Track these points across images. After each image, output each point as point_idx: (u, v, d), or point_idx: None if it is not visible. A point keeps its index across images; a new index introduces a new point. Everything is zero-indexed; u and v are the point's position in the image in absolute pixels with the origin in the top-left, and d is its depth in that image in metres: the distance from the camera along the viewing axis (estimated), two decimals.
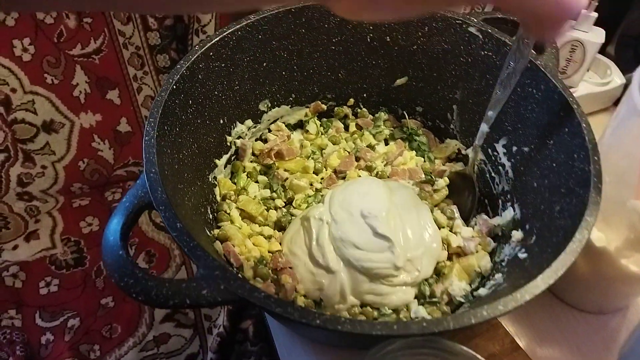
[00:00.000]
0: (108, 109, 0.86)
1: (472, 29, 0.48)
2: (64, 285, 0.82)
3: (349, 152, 0.54)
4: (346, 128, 0.58)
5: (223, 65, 0.44)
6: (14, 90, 0.79)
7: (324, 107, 0.56)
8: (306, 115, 0.56)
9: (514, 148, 0.48)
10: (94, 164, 0.93)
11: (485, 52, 0.49)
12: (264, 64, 0.50)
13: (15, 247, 0.84)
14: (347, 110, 0.57)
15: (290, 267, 0.43)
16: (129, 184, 0.96)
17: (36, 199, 0.91)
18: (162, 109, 0.38)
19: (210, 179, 0.47)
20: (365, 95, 0.57)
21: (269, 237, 0.46)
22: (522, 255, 0.41)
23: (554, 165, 0.43)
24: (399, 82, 0.55)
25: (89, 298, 0.82)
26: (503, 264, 0.44)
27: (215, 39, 0.44)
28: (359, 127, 0.57)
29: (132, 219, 0.33)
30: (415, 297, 0.43)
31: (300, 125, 0.57)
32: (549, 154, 0.44)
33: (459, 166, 0.54)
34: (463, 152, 0.54)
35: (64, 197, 0.91)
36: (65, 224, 0.89)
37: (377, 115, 0.57)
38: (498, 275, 0.42)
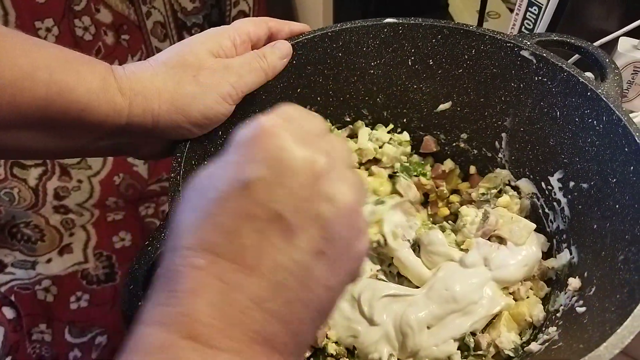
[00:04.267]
0: None
1: (524, 53, 0.44)
2: (94, 301, 0.82)
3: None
4: None
5: (255, 92, 0.41)
6: None
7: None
8: None
9: (571, 183, 0.44)
10: (128, 179, 0.94)
11: (539, 78, 0.44)
12: (298, 90, 0.47)
13: (49, 261, 0.85)
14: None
15: None
16: (162, 199, 0.96)
17: (72, 212, 0.92)
18: (189, 142, 0.36)
19: None
20: (405, 120, 0.53)
21: None
22: (580, 309, 0.36)
23: (617, 207, 0.38)
24: (442, 107, 0.51)
25: (118, 315, 0.82)
26: (558, 314, 0.39)
27: None
28: None
29: (155, 265, 0.31)
30: (459, 349, 0.40)
31: None
32: (611, 194, 0.39)
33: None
34: (512, 183, 0.50)
35: (99, 210, 0.92)
36: (98, 238, 0.89)
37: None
38: (552, 329, 0.38)
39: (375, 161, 0.52)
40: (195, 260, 0.20)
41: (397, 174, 0.50)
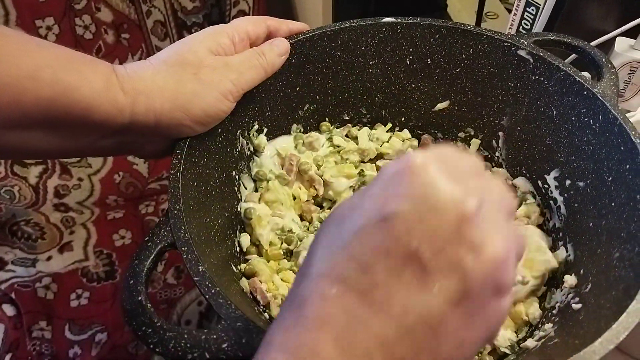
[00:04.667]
0: None
1: (521, 52, 0.45)
2: (94, 299, 0.83)
3: None
4: None
5: (254, 90, 0.42)
6: None
7: (357, 132, 0.53)
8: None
9: (567, 182, 0.44)
10: (129, 177, 0.94)
11: (536, 77, 0.45)
12: (297, 88, 0.48)
13: (49, 258, 0.86)
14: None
15: None
16: (162, 197, 0.96)
17: (72, 210, 0.92)
18: (189, 139, 0.37)
19: (239, 209, 0.45)
20: (403, 119, 0.54)
21: None
22: (576, 305, 0.37)
23: (613, 205, 0.39)
24: (440, 106, 0.52)
25: (117, 312, 0.82)
26: (554, 311, 0.40)
27: None
28: None
29: (155, 261, 0.31)
30: None
31: None
32: (607, 192, 0.40)
33: None
34: (509, 182, 0.51)
35: (99, 208, 0.93)
36: (98, 236, 0.90)
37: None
38: (548, 326, 0.38)
39: (378, 157, 0.52)
40: (325, 288, 0.20)
41: None
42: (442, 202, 0.20)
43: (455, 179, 0.21)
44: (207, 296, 0.29)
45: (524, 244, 0.23)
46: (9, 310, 0.77)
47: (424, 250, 0.19)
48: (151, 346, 0.28)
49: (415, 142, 0.53)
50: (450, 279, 0.20)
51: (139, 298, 0.29)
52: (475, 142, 0.52)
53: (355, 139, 0.53)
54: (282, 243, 0.46)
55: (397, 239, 0.19)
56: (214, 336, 0.28)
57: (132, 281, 0.30)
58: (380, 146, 0.52)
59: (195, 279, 0.29)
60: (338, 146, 0.51)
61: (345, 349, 0.19)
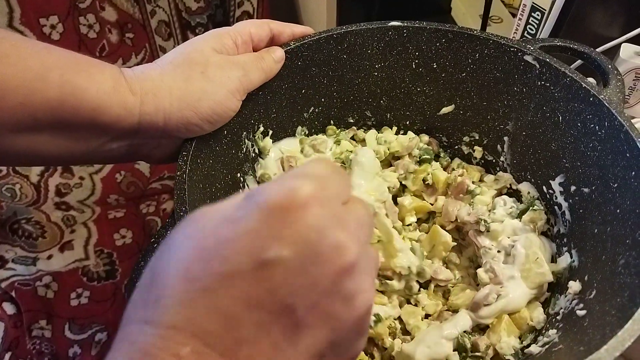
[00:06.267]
0: None
1: (528, 58, 0.45)
2: (94, 298, 0.83)
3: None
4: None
5: (260, 92, 0.42)
6: None
7: (363, 135, 0.53)
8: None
9: (572, 187, 0.44)
10: (130, 177, 0.94)
11: (542, 83, 0.45)
12: (303, 90, 0.48)
13: (49, 257, 0.85)
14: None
15: None
16: (163, 197, 0.96)
17: (73, 208, 0.92)
18: (195, 141, 0.37)
19: None
20: (408, 122, 0.54)
21: None
22: (581, 312, 0.37)
23: (618, 211, 0.39)
24: (445, 110, 0.52)
25: (118, 312, 0.82)
26: (558, 317, 0.40)
27: None
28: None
29: None
30: (455, 349, 0.40)
31: None
32: (612, 198, 0.40)
33: None
34: (514, 187, 0.51)
35: (100, 207, 0.92)
36: (99, 235, 0.90)
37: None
38: (552, 332, 0.38)
39: (395, 159, 0.52)
40: (179, 347, 0.17)
41: (423, 156, 0.51)
42: (326, 250, 0.18)
43: (338, 218, 0.19)
44: None
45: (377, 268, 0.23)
46: (9, 308, 0.77)
47: (299, 305, 0.18)
48: None
49: (426, 138, 0.53)
50: (320, 332, 0.19)
51: None
52: (478, 150, 0.53)
53: (362, 141, 0.53)
54: None
55: (273, 291, 0.18)
56: None
57: (138, 282, 0.29)
58: (388, 149, 0.51)
59: None
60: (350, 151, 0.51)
61: None
